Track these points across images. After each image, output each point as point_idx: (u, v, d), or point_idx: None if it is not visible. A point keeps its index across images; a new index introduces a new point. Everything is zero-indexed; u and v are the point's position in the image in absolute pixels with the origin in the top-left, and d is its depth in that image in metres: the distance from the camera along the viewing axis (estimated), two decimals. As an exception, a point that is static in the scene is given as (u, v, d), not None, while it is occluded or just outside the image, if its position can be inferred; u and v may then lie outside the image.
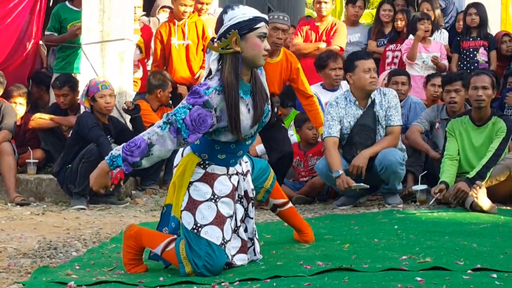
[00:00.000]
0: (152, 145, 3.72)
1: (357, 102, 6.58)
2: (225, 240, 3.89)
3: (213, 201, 3.91)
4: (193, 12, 8.37)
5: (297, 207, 6.35)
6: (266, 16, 3.96)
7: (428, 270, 3.61)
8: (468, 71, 8.28)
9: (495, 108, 6.83)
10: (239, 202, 4.07)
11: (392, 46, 9.11)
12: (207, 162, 3.97)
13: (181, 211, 3.92)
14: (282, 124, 7.37)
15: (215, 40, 3.89)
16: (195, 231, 3.85)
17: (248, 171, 4.20)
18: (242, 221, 4.09)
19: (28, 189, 7.45)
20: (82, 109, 7.33)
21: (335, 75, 7.76)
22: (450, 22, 9.80)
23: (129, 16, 7.99)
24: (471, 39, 8.87)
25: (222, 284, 3.60)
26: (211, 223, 3.87)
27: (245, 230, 4.11)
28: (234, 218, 3.99)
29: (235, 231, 4.01)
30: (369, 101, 6.56)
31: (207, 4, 8.60)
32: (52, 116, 7.83)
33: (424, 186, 6.51)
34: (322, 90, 7.84)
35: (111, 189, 3.89)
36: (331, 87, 7.83)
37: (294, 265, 3.87)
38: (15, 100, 7.95)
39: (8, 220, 6.07)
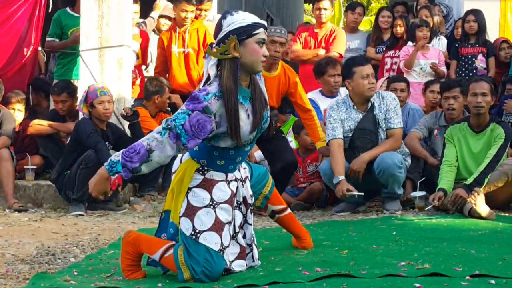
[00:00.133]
0: (152, 151, 3.72)
1: (356, 107, 6.59)
2: (223, 246, 3.88)
3: (212, 207, 3.91)
4: (196, 18, 8.34)
5: (296, 213, 6.35)
6: (265, 22, 3.96)
7: (427, 276, 3.61)
8: (467, 77, 8.29)
9: (493, 115, 6.83)
10: (237, 208, 4.06)
11: (390, 53, 9.13)
12: (206, 168, 3.97)
13: (180, 217, 3.92)
14: (282, 135, 7.37)
15: (214, 45, 3.89)
16: (194, 237, 3.85)
17: (246, 177, 4.20)
18: (241, 227, 4.09)
19: (26, 195, 7.44)
20: (81, 116, 7.33)
21: (334, 81, 7.76)
22: (450, 29, 9.82)
23: (127, 23, 7.98)
24: (469, 46, 8.89)
25: (221, 290, 3.61)
26: (209, 229, 3.87)
27: (244, 236, 4.11)
28: (232, 224, 3.99)
29: (234, 237, 4.01)
30: (369, 105, 6.57)
31: (205, 10, 8.59)
32: (50, 122, 7.83)
33: (423, 193, 6.51)
34: (321, 96, 7.84)
35: (109, 195, 3.89)
36: (330, 93, 7.83)
37: (293, 271, 3.86)
38: (13, 106, 7.95)
39: (6, 226, 6.07)
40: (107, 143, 7.02)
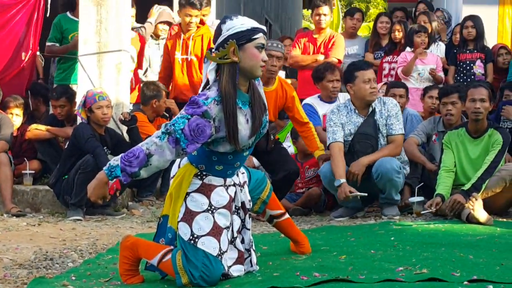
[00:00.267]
0: (151, 155, 3.72)
1: (357, 111, 6.60)
2: (221, 251, 3.88)
3: (210, 212, 3.91)
4: (202, 24, 8.23)
5: (294, 219, 6.35)
6: (264, 27, 3.97)
7: (425, 281, 3.62)
8: (465, 83, 8.30)
9: (491, 121, 6.84)
10: (236, 213, 4.07)
11: (388, 58, 9.13)
12: (204, 173, 3.97)
13: (178, 222, 3.92)
14: (282, 146, 7.36)
15: (213, 50, 3.90)
16: (192, 242, 3.85)
17: (245, 182, 4.20)
18: (239, 232, 4.09)
19: (25, 200, 7.44)
20: (79, 120, 7.33)
21: (333, 87, 7.75)
22: (449, 35, 9.84)
23: (126, 28, 7.99)
24: (467, 52, 8.89)
25: (219, 295, 3.61)
26: (208, 234, 3.87)
27: (242, 241, 4.11)
28: (231, 229, 4.00)
29: (232, 242, 4.01)
30: (370, 109, 6.58)
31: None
32: (48, 127, 7.82)
33: (421, 198, 6.51)
34: (320, 102, 7.84)
35: (107, 200, 3.89)
36: (329, 99, 7.82)
37: (291, 276, 3.86)
38: (11, 111, 7.95)
39: (4, 231, 6.06)
40: (105, 148, 7.02)
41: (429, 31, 8.92)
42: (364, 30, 22.49)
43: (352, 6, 29.91)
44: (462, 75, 8.84)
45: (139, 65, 9.03)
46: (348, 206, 6.58)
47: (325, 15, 8.79)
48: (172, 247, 3.97)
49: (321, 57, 8.62)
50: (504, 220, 6.20)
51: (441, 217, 6.24)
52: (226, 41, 3.84)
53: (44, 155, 7.95)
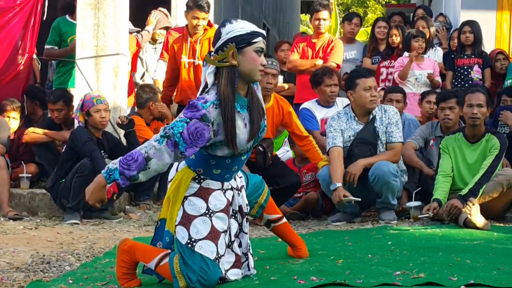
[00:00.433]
0: (150, 158, 3.72)
1: (357, 118, 6.61)
2: (219, 255, 3.88)
3: (208, 215, 3.90)
4: (210, 26, 8.10)
5: (291, 223, 6.32)
6: (264, 32, 3.97)
7: (422, 286, 3.62)
8: (462, 88, 8.30)
9: (488, 125, 6.84)
10: (233, 217, 4.06)
11: (386, 63, 9.12)
12: (202, 176, 3.97)
13: (176, 225, 3.92)
14: (280, 160, 7.34)
15: (212, 53, 3.90)
16: (189, 245, 3.85)
17: (242, 186, 4.20)
18: (236, 236, 4.09)
19: (21, 203, 7.43)
20: (76, 124, 7.33)
21: (331, 91, 7.74)
22: (447, 40, 9.85)
23: (123, 31, 7.99)
24: (465, 57, 8.90)
25: (216, 298, 3.61)
26: (205, 238, 3.86)
27: (239, 245, 4.10)
28: (228, 233, 3.99)
29: (229, 246, 4.01)
30: (370, 117, 6.59)
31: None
32: (45, 130, 7.82)
33: (418, 203, 6.51)
34: (318, 106, 7.84)
35: (105, 203, 3.88)
36: (327, 103, 7.82)
37: (288, 280, 3.86)
38: (8, 114, 7.94)
39: (1, 234, 6.05)
40: (102, 151, 7.01)
41: (427, 36, 8.92)
42: (362, 35, 22.52)
43: (350, 11, 29.98)
44: (459, 80, 8.85)
45: (133, 68, 9.02)
46: (346, 211, 6.58)
47: (324, 19, 8.77)
48: (169, 250, 3.96)
49: (320, 62, 8.60)
50: (501, 225, 6.20)
51: (438, 221, 6.23)
52: (225, 44, 3.84)
53: (41, 159, 7.95)
